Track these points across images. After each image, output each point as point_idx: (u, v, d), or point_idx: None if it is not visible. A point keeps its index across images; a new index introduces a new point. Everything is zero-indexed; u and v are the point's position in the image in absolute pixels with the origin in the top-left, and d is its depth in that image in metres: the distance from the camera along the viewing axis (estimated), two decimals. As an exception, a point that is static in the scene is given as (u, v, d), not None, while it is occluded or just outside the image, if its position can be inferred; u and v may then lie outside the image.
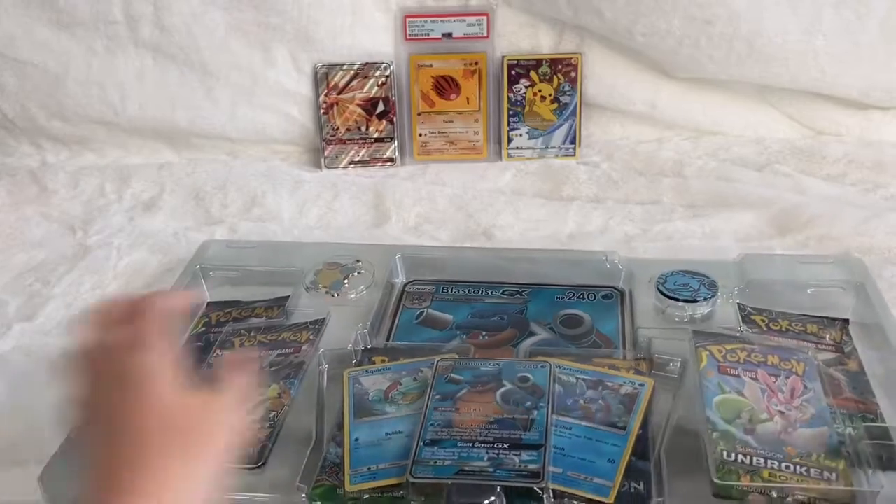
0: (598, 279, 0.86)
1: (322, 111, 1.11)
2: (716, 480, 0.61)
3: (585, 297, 0.84)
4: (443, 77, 1.10)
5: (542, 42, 1.09)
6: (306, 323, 0.81)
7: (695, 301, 0.81)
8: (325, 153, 1.12)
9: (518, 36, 1.09)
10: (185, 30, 1.07)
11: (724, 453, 0.63)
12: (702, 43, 1.03)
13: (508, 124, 1.10)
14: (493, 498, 0.64)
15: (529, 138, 1.10)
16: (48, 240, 1.02)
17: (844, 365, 0.73)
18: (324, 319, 0.81)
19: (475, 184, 1.07)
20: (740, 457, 0.62)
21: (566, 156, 1.10)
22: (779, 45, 1.02)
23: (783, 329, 0.76)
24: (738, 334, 0.75)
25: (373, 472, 0.68)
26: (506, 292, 0.85)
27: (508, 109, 1.10)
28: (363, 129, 1.11)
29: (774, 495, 0.61)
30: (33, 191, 1.12)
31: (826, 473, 0.61)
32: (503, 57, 1.08)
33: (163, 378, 0.51)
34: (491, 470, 0.65)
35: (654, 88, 1.09)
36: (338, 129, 1.11)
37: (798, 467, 0.62)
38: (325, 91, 1.10)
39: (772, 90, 1.08)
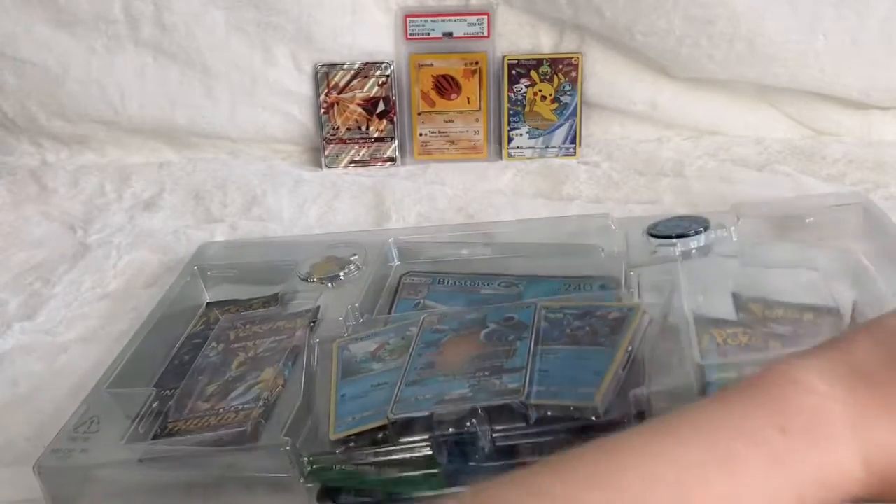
0: (594, 270, 0.84)
1: (322, 111, 1.11)
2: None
3: (581, 288, 0.82)
4: (443, 77, 1.10)
5: (542, 42, 1.10)
6: (301, 311, 0.80)
7: (686, 235, 0.77)
8: (326, 152, 1.12)
9: (518, 36, 1.09)
10: (186, 29, 1.07)
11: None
12: (702, 43, 1.03)
13: (509, 124, 1.10)
14: (475, 421, 0.62)
15: (530, 138, 1.10)
16: (48, 239, 1.02)
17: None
18: (318, 308, 0.81)
19: (475, 183, 1.07)
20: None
21: (566, 155, 1.10)
22: (779, 44, 1.02)
23: (779, 318, 0.76)
24: (738, 319, 0.75)
25: (356, 419, 0.66)
26: (502, 284, 0.84)
27: (509, 109, 1.10)
28: (363, 128, 1.11)
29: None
30: (33, 190, 1.12)
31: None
32: (504, 57, 1.08)
33: None
34: (470, 395, 0.63)
35: (655, 88, 1.09)
36: (338, 128, 1.11)
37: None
38: (326, 90, 1.10)
39: (772, 90, 1.08)
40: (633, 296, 0.74)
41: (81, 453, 0.68)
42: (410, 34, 1.09)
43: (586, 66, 1.09)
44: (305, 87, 1.11)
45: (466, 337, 0.70)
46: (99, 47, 1.09)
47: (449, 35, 1.08)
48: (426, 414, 0.63)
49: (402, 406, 0.64)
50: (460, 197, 1.04)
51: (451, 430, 0.62)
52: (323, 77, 1.10)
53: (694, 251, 0.77)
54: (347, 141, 1.12)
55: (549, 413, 0.61)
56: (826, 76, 1.04)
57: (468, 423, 0.61)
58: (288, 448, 0.64)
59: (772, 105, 1.10)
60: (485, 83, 1.09)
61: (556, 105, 1.09)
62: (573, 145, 1.10)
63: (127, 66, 1.10)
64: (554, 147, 1.10)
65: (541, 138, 1.10)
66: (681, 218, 0.80)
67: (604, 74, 1.09)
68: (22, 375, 0.81)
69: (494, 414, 0.62)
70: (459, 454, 0.63)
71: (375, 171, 1.11)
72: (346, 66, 1.10)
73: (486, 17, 1.07)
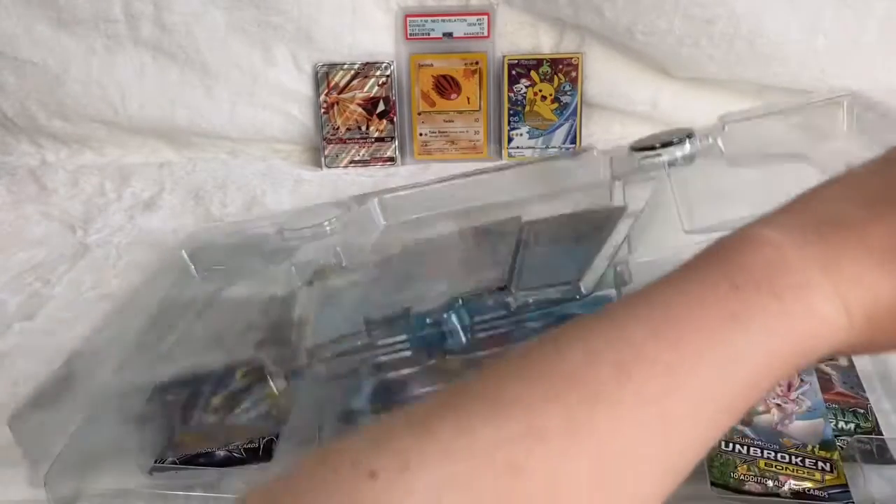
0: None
1: (322, 110, 1.11)
2: (713, 470, 0.62)
3: None
4: (443, 76, 1.10)
5: (542, 42, 1.10)
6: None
7: (670, 144, 0.74)
8: (326, 152, 1.12)
9: (519, 36, 1.09)
10: (186, 29, 1.07)
11: (722, 443, 0.63)
12: (702, 42, 1.03)
13: (509, 124, 1.10)
14: (451, 312, 0.59)
15: (530, 138, 1.10)
16: (48, 238, 1.02)
17: (835, 360, 0.73)
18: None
19: (475, 183, 1.07)
20: (737, 447, 0.62)
21: (566, 155, 1.10)
22: (779, 44, 1.02)
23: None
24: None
25: (334, 329, 0.63)
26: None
27: (509, 109, 1.10)
28: (363, 128, 1.11)
29: (770, 485, 0.61)
30: (33, 189, 1.12)
31: (821, 464, 0.61)
32: (504, 56, 1.08)
33: None
34: (448, 290, 0.61)
35: (655, 88, 1.09)
36: (338, 128, 1.11)
37: (794, 458, 0.62)
38: (326, 90, 1.10)
39: (772, 90, 1.08)
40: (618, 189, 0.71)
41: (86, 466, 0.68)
42: (410, 34, 1.09)
43: (586, 66, 1.09)
44: (305, 87, 1.11)
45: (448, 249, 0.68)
46: (99, 47, 1.09)
47: (449, 35, 1.08)
48: (403, 311, 0.60)
49: (378, 309, 0.61)
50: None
51: (427, 322, 0.59)
52: (323, 77, 1.10)
53: (680, 160, 0.74)
54: (347, 141, 1.12)
55: (530, 300, 0.58)
56: (826, 76, 1.04)
57: (445, 315, 0.59)
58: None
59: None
60: (485, 83, 1.09)
61: (556, 105, 1.09)
62: (573, 145, 1.10)
63: (127, 65, 1.10)
64: (554, 147, 1.10)
65: (541, 138, 1.10)
66: (664, 133, 0.76)
67: (604, 74, 1.09)
68: (22, 375, 0.81)
69: (475, 306, 0.59)
70: (440, 351, 0.59)
71: (375, 171, 1.11)
72: (346, 66, 1.10)
73: (486, 17, 1.07)
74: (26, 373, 0.82)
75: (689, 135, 0.74)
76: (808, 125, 0.79)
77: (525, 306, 0.59)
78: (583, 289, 0.58)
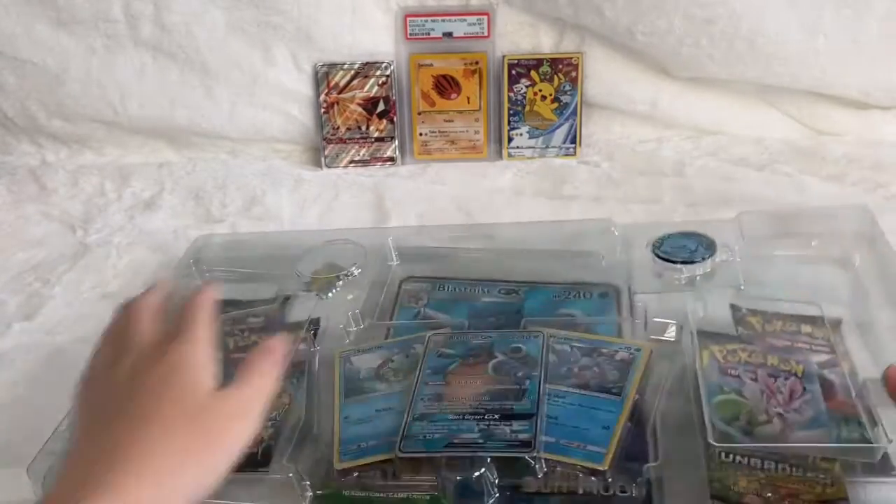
0: (594, 277, 0.85)
1: (322, 110, 1.11)
2: (713, 483, 0.61)
3: (581, 295, 0.83)
4: (443, 76, 1.09)
5: (542, 41, 1.09)
6: (303, 322, 0.80)
7: (692, 262, 0.78)
8: (326, 152, 1.12)
9: (519, 35, 1.09)
10: (185, 29, 1.07)
11: (722, 455, 0.62)
12: (702, 42, 1.02)
13: (509, 124, 1.10)
14: (483, 469, 0.62)
15: (530, 138, 1.10)
16: (48, 238, 1.02)
17: (838, 366, 0.73)
18: (318, 319, 0.81)
19: (475, 183, 1.07)
20: (738, 458, 0.62)
21: (566, 155, 1.10)
22: (779, 44, 1.02)
23: (778, 331, 0.76)
24: (737, 334, 0.75)
25: (363, 448, 0.66)
26: (502, 291, 0.85)
27: (509, 109, 1.10)
28: (363, 128, 1.11)
29: (771, 497, 0.61)
30: (33, 189, 1.12)
31: (822, 476, 0.61)
32: (504, 56, 1.08)
33: (196, 370, 0.51)
34: (481, 441, 0.64)
35: (655, 88, 1.09)
36: (338, 128, 1.11)
37: (794, 470, 0.62)
38: (326, 90, 1.10)
39: (772, 90, 1.08)
40: (638, 327, 0.76)
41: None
42: (410, 34, 1.08)
43: (586, 65, 1.09)
44: (305, 87, 1.11)
45: (474, 366, 0.71)
46: (99, 47, 1.09)
47: (449, 35, 1.08)
48: (435, 457, 0.63)
49: (410, 444, 0.64)
50: (460, 196, 1.04)
51: (458, 477, 0.63)
52: (323, 77, 1.10)
53: (698, 277, 0.79)
54: (347, 141, 1.12)
55: (557, 468, 0.62)
56: (826, 76, 1.04)
57: (477, 473, 0.62)
58: (292, 475, 0.64)
59: (772, 105, 1.09)
60: (485, 83, 1.09)
61: (556, 105, 1.09)
62: (573, 145, 1.10)
63: (127, 65, 1.10)
64: (554, 147, 1.10)
65: (541, 138, 1.10)
66: (686, 236, 0.81)
67: (604, 74, 1.09)
68: (22, 375, 0.81)
69: (502, 463, 0.63)
70: (464, 497, 0.63)
71: (375, 170, 1.11)
72: (346, 66, 1.09)
73: (486, 16, 1.07)
74: (26, 373, 0.82)
75: (711, 249, 0.79)
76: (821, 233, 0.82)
77: (552, 475, 0.63)
78: (608, 476, 0.62)
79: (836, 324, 0.76)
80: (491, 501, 0.63)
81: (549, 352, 0.72)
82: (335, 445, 0.67)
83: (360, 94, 1.10)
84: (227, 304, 0.85)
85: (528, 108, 1.10)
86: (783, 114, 1.09)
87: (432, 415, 0.67)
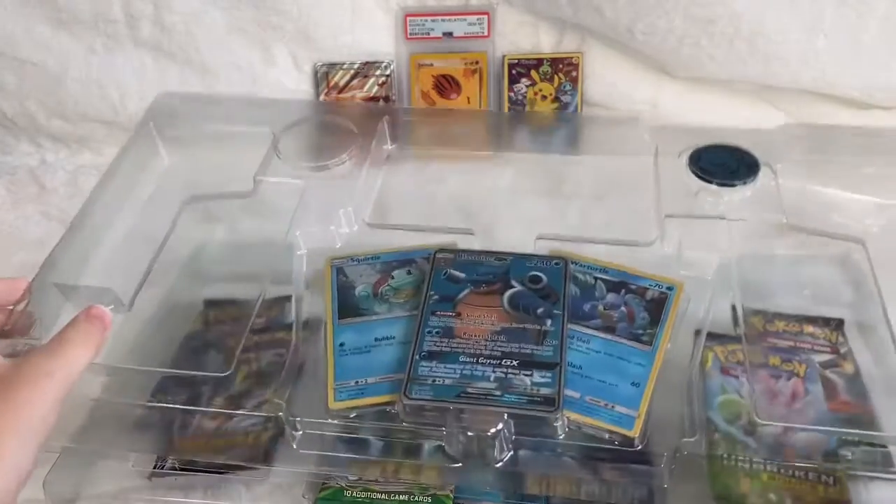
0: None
1: (322, 110, 1.11)
2: (715, 484, 0.61)
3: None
4: (443, 76, 1.09)
5: (542, 41, 1.09)
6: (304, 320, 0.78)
7: (732, 184, 0.72)
8: (326, 152, 1.12)
9: (519, 35, 1.09)
10: (185, 29, 1.07)
11: (724, 456, 0.62)
12: (703, 42, 1.02)
13: (509, 123, 1.10)
14: (500, 426, 0.56)
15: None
16: (48, 238, 1.02)
17: (840, 367, 0.73)
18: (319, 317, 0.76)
19: (476, 182, 1.07)
20: (740, 460, 0.62)
21: (567, 154, 1.10)
22: (780, 44, 1.02)
23: (780, 330, 0.76)
24: (739, 335, 0.75)
25: (361, 387, 0.60)
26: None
27: (509, 108, 1.09)
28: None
29: (773, 498, 0.61)
30: (33, 189, 1.12)
31: (824, 477, 0.61)
32: (504, 56, 1.08)
33: None
34: (498, 394, 0.58)
35: (655, 87, 1.09)
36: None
37: (797, 470, 0.62)
38: (326, 90, 1.10)
39: (772, 90, 1.08)
40: (670, 259, 0.68)
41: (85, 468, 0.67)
42: (410, 34, 1.08)
43: (587, 65, 1.08)
44: (305, 87, 1.11)
45: (487, 296, 0.64)
46: (98, 47, 1.09)
47: (449, 34, 1.08)
48: (447, 406, 0.57)
49: (418, 387, 0.58)
50: (460, 196, 1.03)
51: (471, 433, 0.57)
52: (323, 77, 1.10)
53: (737, 203, 0.71)
54: (347, 140, 1.11)
55: (581, 429, 0.57)
56: (827, 76, 1.04)
57: (493, 430, 0.56)
58: (282, 413, 0.58)
59: (772, 105, 1.09)
60: (485, 83, 1.09)
61: (556, 105, 1.09)
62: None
63: (126, 65, 1.10)
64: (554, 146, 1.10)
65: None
66: (727, 150, 0.73)
67: (604, 74, 1.09)
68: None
69: (519, 418, 0.57)
70: (472, 454, 0.58)
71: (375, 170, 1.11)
72: (345, 66, 1.09)
73: (486, 16, 1.07)
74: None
75: (754, 169, 0.72)
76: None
77: (575, 436, 0.58)
78: (637, 443, 0.57)
79: (839, 324, 0.76)
80: (505, 457, 0.57)
81: (570, 282, 0.65)
82: (329, 381, 0.61)
83: (359, 94, 1.10)
84: (228, 304, 0.84)
85: (528, 107, 1.09)
86: (784, 113, 1.09)
87: (442, 354, 0.60)
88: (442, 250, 0.67)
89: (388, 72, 1.09)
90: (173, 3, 1.06)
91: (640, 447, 0.57)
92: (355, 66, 1.09)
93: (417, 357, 0.59)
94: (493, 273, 0.65)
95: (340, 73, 1.09)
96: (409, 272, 0.67)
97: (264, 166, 0.75)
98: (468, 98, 1.09)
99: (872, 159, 0.79)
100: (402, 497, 0.62)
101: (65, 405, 0.70)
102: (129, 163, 0.80)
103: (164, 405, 0.68)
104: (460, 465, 0.58)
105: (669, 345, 0.62)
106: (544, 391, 0.57)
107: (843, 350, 0.74)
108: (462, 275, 0.65)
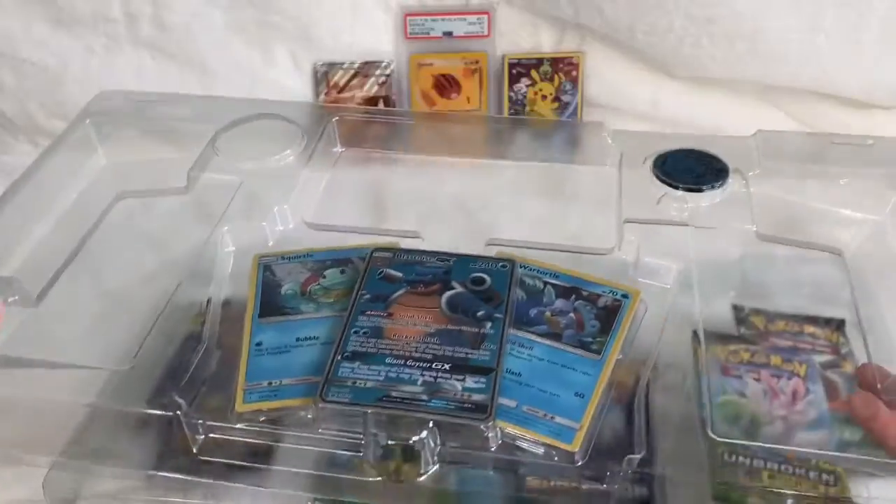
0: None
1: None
2: (715, 482, 0.61)
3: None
4: (443, 76, 1.09)
5: (543, 41, 1.09)
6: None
7: (699, 189, 0.67)
8: (325, 152, 1.12)
9: (519, 35, 1.09)
10: (185, 28, 1.07)
11: (725, 455, 0.62)
12: (703, 42, 1.02)
13: (509, 123, 1.10)
14: (424, 434, 0.51)
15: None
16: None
17: (841, 367, 0.73)
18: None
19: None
20: (740, 459, 0.62)
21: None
22: (780, 43, 1.02)
23: (780, 330, 0.76)
24: (739, 334, 0.75)
25: (273, 388, 0.55)
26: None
27: (509, 108, 1.09)
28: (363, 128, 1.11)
29: (773, 498, 0.61)
30: (32, 190, 1.12)
31: (825, 476, 0.61)
32: (504, 56, 1.08)
33: None
34: (425, 399, 0.52)
35: (656, 87, 1.09)
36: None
37: (798, 470, 0.61)
38: (326, 90, 1.10)
39: (773, 89, 1.08)
40: (626, 265, 0.64)
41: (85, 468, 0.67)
42: (410, 33, 1.08)
43: (587, 65, 1.08)
44: (305, 87, 1.11)
45: (425, 297, 0.59)
46: (98, 47, 1.09)
47: (449, 34, 1.08)
48: (365, 410, 0.52)
49: (336, 390, 0.52)
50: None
51: (391, 441, 0.52)
52: (322, 76, 1.09)
53: (704, 209, 0.67)
54: (347, 140, 1.11)
55: (515, 442, 0.52)
56: (827, 75, 1.04)
57: (415, 438, 0.51)
58: (180, 413, 0.54)
59: (773, 104, 1.09)
60: (485, 82, 1.09)
61: (556, 104, 1.09)
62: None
63: (126, 65, 1.09)
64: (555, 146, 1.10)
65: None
66: (694, 155, 0.70)
67: (605, 74, 1.09)
68: (22, 376, 0.81)
69: (447, 427, 0.52)
70: (392, 466, 0.53)
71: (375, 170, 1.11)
72: (345, 66, 1.09)
73: (486, 16, 1.07)
74: (26, 373, 0.82)
75: (723, 175, 0.66)
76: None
77: (509, 448, 0.52)
78: (577, 458, 0.52)
79: (840, 324, 0.76)
80: (430, 470, 0.52)
81: (516, 286, 0.60)
82: (239, 381, 0.56)
83: (359, 94, 1.10)
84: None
85: (528, 107, 1.09)
86: (784, 113, 1.09)
87: (367, 355, 0.55)
88: (380, 249, 0.62)
89: (388, 71, 1.09)
90: (173, 3, 1.06)
91: (580, 463, 0.52)
92: (355, 66, 1.09)
93: (339, 357, 0.55)
94: (432, 273, 0.61)
95: (340, 72, 1.09)
96: (342, 271, 0.62)
97: (201, 163, 0.72)
98: (468, 98, 1.09)
99: (851, 171, 0.76)
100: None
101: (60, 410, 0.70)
102: (60, 158, 0.77)
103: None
104: (379, 478, 0.53)
105: (621, 356, 0.57)
106: (476, 398, 0.52)
107: (843, 350, 0.74)
108: (399, 274, 0.60)
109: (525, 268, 0.62)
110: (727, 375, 0.68)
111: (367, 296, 0.58)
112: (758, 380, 0.68)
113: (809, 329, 0.75)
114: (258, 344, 0.57)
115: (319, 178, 0.73)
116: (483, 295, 0.59)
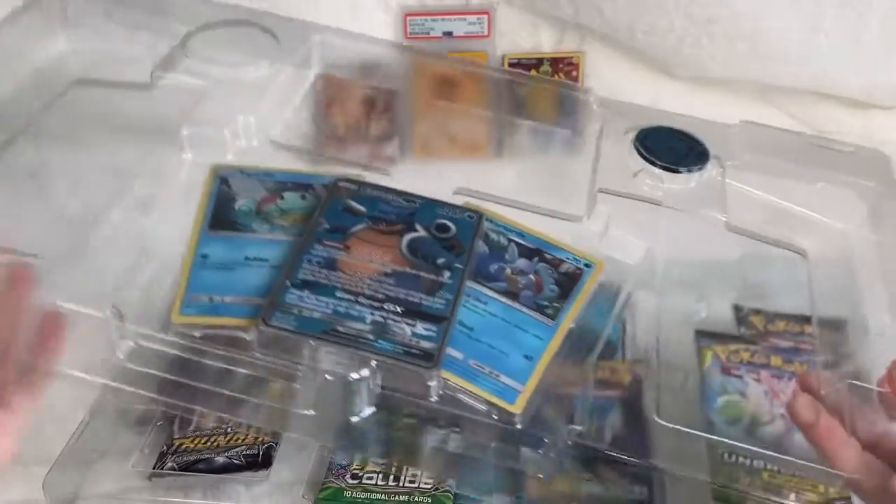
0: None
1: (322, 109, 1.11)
2: (715, 482, 0.61)
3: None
4: (443, 75, 1.09)
5: (543, 41, 1.09)
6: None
7: (676, 170, 0.66)
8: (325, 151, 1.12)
9: (519, 35, 1.09)
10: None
11: (725, 455, 0.62)
12: (703, 42, 1.02)
13: (509, 123, 1.09)
14: (365, 373, 0.49)
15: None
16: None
17: (841, 367, 0.73)
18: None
19: (476, 182, 1.07)
20: (740, 459, 0.62)
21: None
22: (780, 43, 1.02)
23: (781, 331, 0.76)
24: (740, 334, 0.75)
25: (215, 304, 0.53)
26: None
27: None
28: (363, 127, 1.11)
29: (773, 498, 0.61)
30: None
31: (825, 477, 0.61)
32: (504, 56, 1.08)
33: None
34: (371, 338, 0.50)
35: (656, 87, 1.09)
36: (338, 127, 1.11)
37: (797, 470, 0.61)
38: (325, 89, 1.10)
39: (773, 89, 1.08)
40: (593, 234, 0.63)
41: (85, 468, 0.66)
42: (410, 33, 1.08)
43: (587, 65, 1.08)
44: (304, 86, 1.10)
45: (385, 235, 0.57)
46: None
47: (449, 34, 1.08)
48: (308, 342, 0.49)
49: (279, 315, 0.50)
50: (460, 196, 1.03)
51: (328, 375, 0.49)
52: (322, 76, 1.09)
53: (680, 189, 0.66)
54: (347, 140, 1.11)
55: (457, 395, 0.51)
56: (828, 75, 1.04)
57: (354, 376, 0.49)
58: (110, 313, 0.50)
59: (773, 104, 1.09)
60: (485, 82, 1.09)
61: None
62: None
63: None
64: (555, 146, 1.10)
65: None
66: (677, 135, 0.69)
67: (604, 74, 1.09)
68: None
69: (390, 371, 0.50)
70: (328, 401, 0.50)
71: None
72: (345, 66, 1.09)
73: (486, 16, 1.07)
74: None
75: (702, 159, 0.65)
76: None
77: (449, 401, 0.50)
78: (518, 422, 0.50)
79: (840, 324, 0.76)
80: (365, 414, 0.50)
81: (480, 239, 0.59)
82: (179, 291, 0.53)
83: (359, 93, 1.10)
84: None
85: (528, 108, 1.09)
86: (784, 113, 1.09)
87: (318, 285, 0.53)
88: (345, 179, 0.60)
89: (388, 71, 1.09)
90: (173, 3, 1.06)
91: (519, 426, 0.50)
92: (355, 66, 1.09)
93: (288, 283, 0.52)
94: (396, 213, 0.58)
95: (340, 72, 1.09)
96: (303, 196, 0.59)
97: (168, 61, 0.66)
98: (468, 98, 1.09)
99: (828, 175, 0.75)
100: (402, 497, 0.62)
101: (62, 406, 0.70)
102: (16, 33, 0.69)
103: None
104: (312, 412, 0.50)
105: (573, 325, 0.55)
106: (424, 345, 0.50)
107: (844, 351, 0.74)
108: (362, 208, 0.58)
109: (491, 222, 0.61)
110: (728, 375, 0.68)
111: (326, 225, 0.56)
112: (758, 380, 0.68)
113: (809, 329, 0.75)
114: (204, 255, 0.55)
115: (291, 96, 0.69)
116: (446, 243, 0.58)
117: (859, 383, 0.57)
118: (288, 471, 0.67)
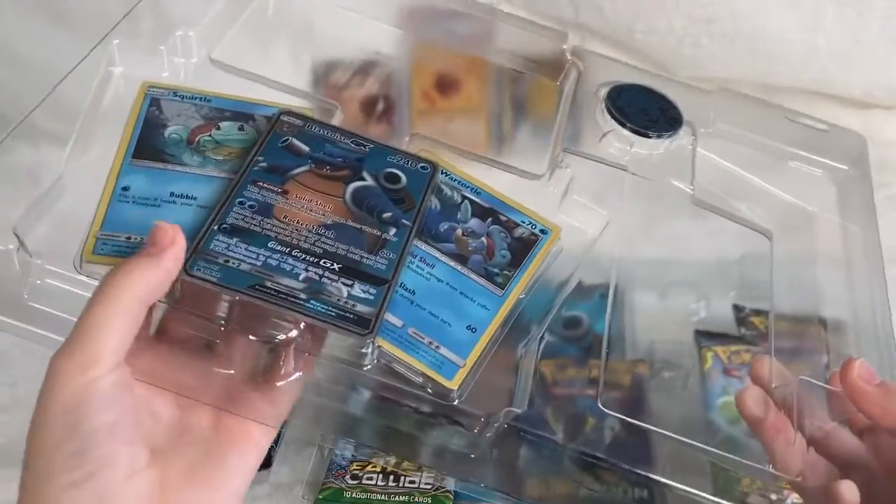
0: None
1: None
2: (716, 484, 0.61)
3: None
4: (443, 75, 1.09)
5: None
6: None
7: (646, 134, 0.62)
8: (325, 151, 1.11)
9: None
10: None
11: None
12: (703, 41, 1.02)
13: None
14: (293, 334, 0.46)
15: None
16: (47, 239, 1.01)
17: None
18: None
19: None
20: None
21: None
22: (780, 43, 1.02)
23: (782, 332, 0.76)
24: (740, 335, 0.75)
25: (133, 244, 0.48)
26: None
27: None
28: (363, 127, 1.11)
29: (774, 498, 0.60)
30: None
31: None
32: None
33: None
34: (303, 297, 0.46)
35: (655, 87, 1.09)
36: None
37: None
38: (325, 91, 1.10)
39: (773, 89, 1.08)
40: (554, 198, 0.59)
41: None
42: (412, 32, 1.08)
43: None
44: (304, 87, 1.10)
45: (328, 181, 0.52)
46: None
47: (450, 33, 1.08)
48: (230, 296, 0.46)
49: (202, 264, 0.46)
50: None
51: (251, 335, 0.46)
52: (322, 76, 1.09)
53: (647, 154, 0.63)
54: (347, 140, 1.11)
55: (392, 365, 0.48)
56: (828, 75, 1.04)
57: (280, 337, 0.46)
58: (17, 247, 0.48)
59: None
60: (485, 82, 1.09)
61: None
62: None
63: (126, 65, 1.09)
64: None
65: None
66: (651, 96, 0.65)
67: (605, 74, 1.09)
68: (21, 376, 0.81)
69: (320, 333, 0.47)
70: (250, 364, 0.47)
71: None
72: (345, 65, 1.09)
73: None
74: (25, 373, 0.82)
75: (676, 125, 0.62)
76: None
77: (383, 370, 0.48)
78: (453, 398, 0.47)
79: (841, 325, 0.76)
80: (293, 377, 0.46)
81: (432, 192, 0.55)
82: (93, 227, 0.49)
83: (359, 93, 1.10)
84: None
85: (528, 106, 1.09)
86: (784, 113, 1.09)
87: (249, 232, 0.48)
88: (289, 113, 0.54)
89: (387, 70, 1.09)
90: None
91: (454, 402, 0.48)
92: (355, 65, 1.09)
93: (215, 228, 0.48)
94: (343, 156, 0.53)
95: (339, 72, 1.09)
96: (241, 127, 0.54)
97: None
98: (468, 97, 1.09)
99: (801, 154, 0.74)
100: (401, 498, 0.62)
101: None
102: None
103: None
104: (232, 372, 0.47)
105: (523, 295, 0.52)
106: (361, 308, 0.46)
107: (844, 352, 0.74)
108: (306, 148, 0.53)
109: (446, 174, 0.56)
110: (729, 376, 0.68)
111: (264, 163, 0.52)
112: None
113: (810, 329, 0.75)
114: (125, 188, 0.50)
115: (240, 11, 0.61)
116: (394, 195, 0.53)
117: (810, 379, 0.55)
118: (288, 471, 0.67)
